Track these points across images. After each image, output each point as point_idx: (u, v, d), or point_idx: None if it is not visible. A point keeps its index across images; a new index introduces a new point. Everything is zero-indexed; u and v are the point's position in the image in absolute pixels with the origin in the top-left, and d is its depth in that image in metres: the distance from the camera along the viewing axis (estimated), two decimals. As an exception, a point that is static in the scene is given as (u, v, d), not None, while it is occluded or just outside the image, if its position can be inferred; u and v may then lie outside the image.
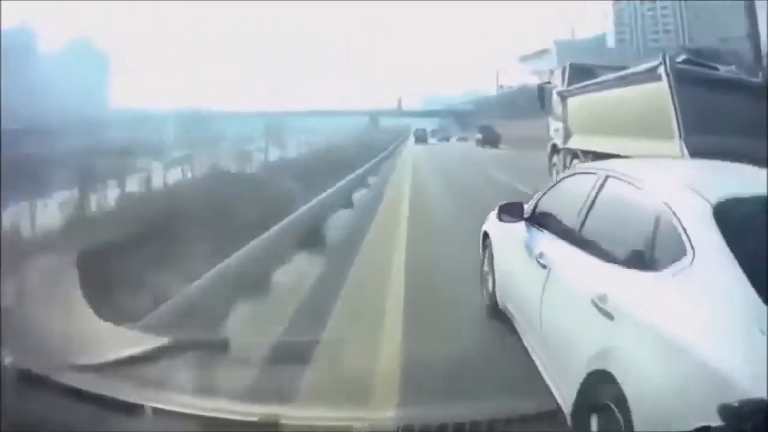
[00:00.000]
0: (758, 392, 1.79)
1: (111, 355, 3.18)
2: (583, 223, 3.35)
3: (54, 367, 2.88)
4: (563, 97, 13.80)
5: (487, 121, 50.95)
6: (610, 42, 74.04)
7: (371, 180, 18.17)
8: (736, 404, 1.74)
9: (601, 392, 2.45)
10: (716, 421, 1.73)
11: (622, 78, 10.73)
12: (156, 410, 2.65)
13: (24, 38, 47.55)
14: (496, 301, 4.71)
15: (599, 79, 11.91)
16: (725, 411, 1.73)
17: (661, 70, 9.07)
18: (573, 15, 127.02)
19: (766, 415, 1.68)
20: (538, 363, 3.51)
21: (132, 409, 2.65)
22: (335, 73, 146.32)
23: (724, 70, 10.37)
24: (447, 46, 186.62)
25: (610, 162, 4.26)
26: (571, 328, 2.99)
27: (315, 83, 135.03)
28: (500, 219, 4.49)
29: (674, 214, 2.60)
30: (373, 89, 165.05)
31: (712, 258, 2.34)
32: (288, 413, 2.83)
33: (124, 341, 3.44)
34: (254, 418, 2.67)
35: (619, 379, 2.33)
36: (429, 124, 66.09)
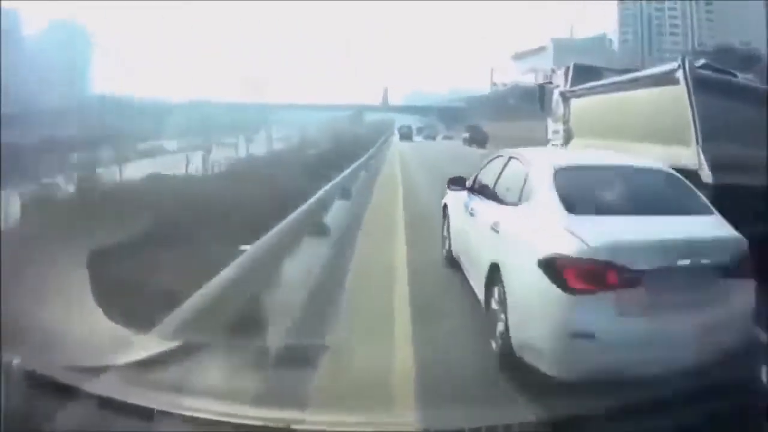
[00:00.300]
0: (558, 251, 4.11)
1: (118, 358, 3.38)
2: (494, 186, 6.12)
3: (60, 368, 3.09)
4: (566, 98, 13.67)
5: (475, 120, 52.19)
6: (612, 42, 74.72)
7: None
8: (544, 257, 4.10)
9: (494, 276, 4.91)
10: (537, 272, 4.07)
11: (634, 80, 10.64)
12: (164, 413, 2.80)
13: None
14: (451, 254, 7.47)
15: (608, 81, 11.85)
16: (540, 263, 4.09)
17: (680, 74, 8.94)
18: (572, 12, 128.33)
19: (558, 262, 3.98)
20: (469, 278, 6.22)
21: (141, 413, 2.82)
22: (317, 65, 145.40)
23: (742, 78, 10.31)
24: (436, 41, 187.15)
25: (514, 149, 6.60)
26: (481, 244, 5.64)
27: (295, 75, 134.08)
28: (449, 187, 7.44)
29: (535, 175, 5.18)
30: (357, 83, 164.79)
31: (544, 196, 4.81)
32: (299, 417, 3.08)
33: (132, 344, 3.66)
34: (264, 423, 2.88)
35: (500, 265, 4.81)
36: (413, 122, 66.35)
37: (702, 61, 10.05)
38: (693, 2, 70.27)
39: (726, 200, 8.16)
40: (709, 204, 5.26)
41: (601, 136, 11.40)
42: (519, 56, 76.38)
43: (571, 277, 3.91)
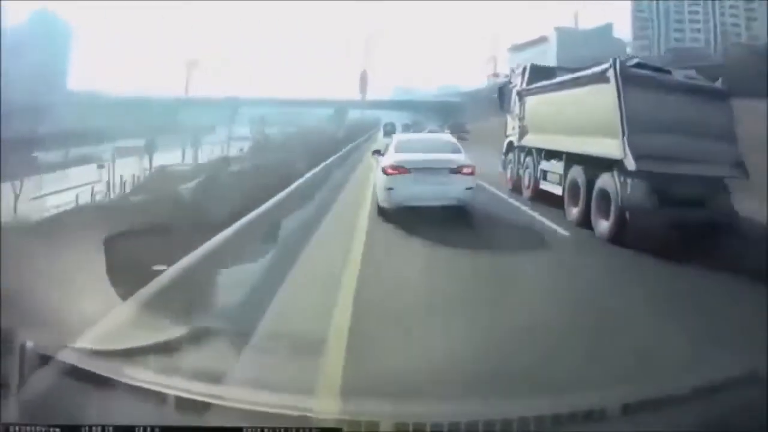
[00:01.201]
0: (385, 164, 12.72)
1: (133, 342, 3.73)
2: (383, 150, 14.46)
3: (71, 351, 3.36)
4: (521, 96, 16.08)
5: (468, 116, 54.60)
6: (617, 33, 75.99)
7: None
8: (382, 167, 12.63)
9: (374, 182, 13.99)
10: (381, 172, 12.58)
11: (575, 79, 12.84)
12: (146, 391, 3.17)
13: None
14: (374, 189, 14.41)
15: (556, 80, 14.13)
16: (381, 169, 12.66)
17: (610, 73, 11.00)
18: (578, 2, 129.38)
19: (385, 166, 12.49)
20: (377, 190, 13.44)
21: (151, 396, 3.16)
22: (285, 51, 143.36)
23: (683, 75, 12.26)
24: (428, 33, 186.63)
25: (396, 135, 18.82)
26: (375, 176, 14.23)
27: (259, 62, 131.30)
28: (373, 154, 16.12)
29: (392, 143, 14.20)
30: (332, 74, 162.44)
31: (391, 148, 13.68)
32: (301, 405, 3.38)
33: (150, 329, 4.07)
34: (277, 410, 3.22)
35: (375, 177, 13.69)
36: (401, 118, 68.00)
37: (635, 60, 12.10)
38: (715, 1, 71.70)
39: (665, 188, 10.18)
40: (462, 149, 13.17)
41: (549, 131, 13.90)
42: (518, 48, 77.05)
43: (387, 170, 12.20)
